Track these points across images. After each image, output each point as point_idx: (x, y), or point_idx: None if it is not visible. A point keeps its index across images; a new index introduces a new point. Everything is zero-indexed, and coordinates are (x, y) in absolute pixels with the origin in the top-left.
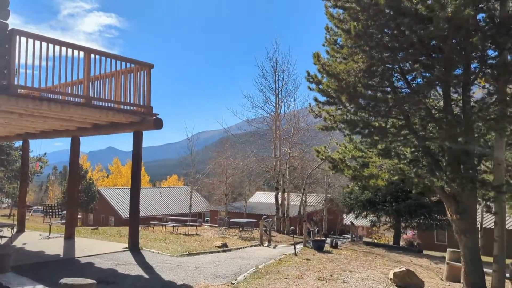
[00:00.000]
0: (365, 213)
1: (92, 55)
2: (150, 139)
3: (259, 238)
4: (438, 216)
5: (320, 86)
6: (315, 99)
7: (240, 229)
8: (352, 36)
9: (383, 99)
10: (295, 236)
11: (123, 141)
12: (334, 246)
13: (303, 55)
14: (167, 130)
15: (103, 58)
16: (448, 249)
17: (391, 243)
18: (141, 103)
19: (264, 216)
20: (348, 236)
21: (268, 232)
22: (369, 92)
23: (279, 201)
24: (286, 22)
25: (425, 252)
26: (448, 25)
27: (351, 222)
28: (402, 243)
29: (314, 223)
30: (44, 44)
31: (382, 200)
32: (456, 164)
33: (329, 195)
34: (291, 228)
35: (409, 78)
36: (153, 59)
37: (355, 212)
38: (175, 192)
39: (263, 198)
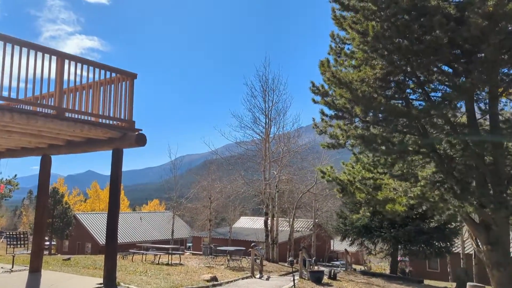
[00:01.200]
0: (360, 240)
1: (66, 61)
2: (131, 162)
3: (248, 268)
4: (438, 244)
5: (327, 98)
6: (322, 113)
7: (228, 257)
8: (370, 39)
9: (404, 112)
10: (288, 265)
11: (104, 164)
12: (333, 277)
13: (294, 74)
14: (148, 153)
15: (79, 64)
16: (468, 284)
17: (387, 272)
18: (122, 117)
19: (253, 243)
20: (337, 263)
21: (259, 262)
22: (387, 102)
23: (269, 227)
24: (277, 40)
25: (426, 282)
26: (488, 21)
27: (345, 250)
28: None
29: (306, 251)
30: (9, 45)
31: (378, 226)
32: (485, 187)
33: (317, 220)
34: (290, 259)
35: (427, 89)
36: (136, 81)
37: (349, 239)
38: (156, 218)
39: (248, 223)
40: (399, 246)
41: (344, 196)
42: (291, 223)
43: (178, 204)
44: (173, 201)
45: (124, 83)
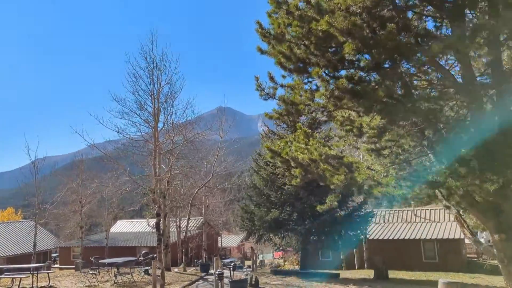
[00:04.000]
0: (268, 235)
1: None
2: None
3: (141, 282)
4: (350, 233)
5: (280, 47)
6: (279, 63)
7: (115, 271)
8: None
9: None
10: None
11: None
12: (255, 284)
13: (187, 52)
14: None
15: None
16: (440, 281)
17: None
18: None
19: (144, 252)
20: (227, 260)
21: (160, 275)
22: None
23: (161, 230)
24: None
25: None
26: None
27: (251, 248)
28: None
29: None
30: None
31: (288, 219)
32: (491, 160)
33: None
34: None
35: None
36: None
37: (256, 235)
38: (13, 229)
39: (127, 227)
40: (311, 239)
41: (302, 180)
42: (186, 222)
43: (41, 211)
44: (34, 208)
45: None
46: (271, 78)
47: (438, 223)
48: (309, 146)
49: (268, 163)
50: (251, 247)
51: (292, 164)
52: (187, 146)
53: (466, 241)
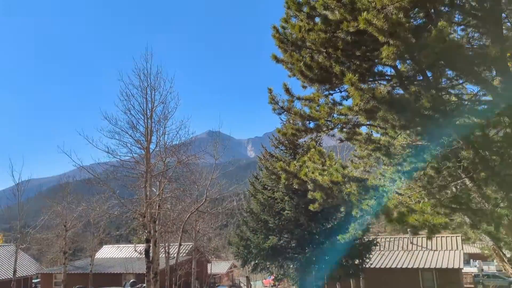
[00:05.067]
0: (265, 264)
1: None
2: None
3: None
4: (351, 261)
5: (299, 53)
6: (300, 71)
7: None
8: None
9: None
10: None
11: None
12: None
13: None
14: None
15: None
16: None
17: None
18: None
19: (132, 281)
20: None
21: None
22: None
23: (150, 257)
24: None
25: None
26: None
27: (247, 277)
28: None
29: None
30: None
31: (286, 246)
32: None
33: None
34: None
35: None
36: None
37: (252, 263)
38: None
39: (113, 253)
40: (312, 267)
41: (322, 205)
42: (177, 248)
43: (23, 235)
44: (16, 232)
45: None
46: (287, 90)
47: (436, 251)
48: (326, 167)
49: (266, 186)
50: (247, 277)
51: (310, 187)
52: (180, 168)
53: (463, 270)
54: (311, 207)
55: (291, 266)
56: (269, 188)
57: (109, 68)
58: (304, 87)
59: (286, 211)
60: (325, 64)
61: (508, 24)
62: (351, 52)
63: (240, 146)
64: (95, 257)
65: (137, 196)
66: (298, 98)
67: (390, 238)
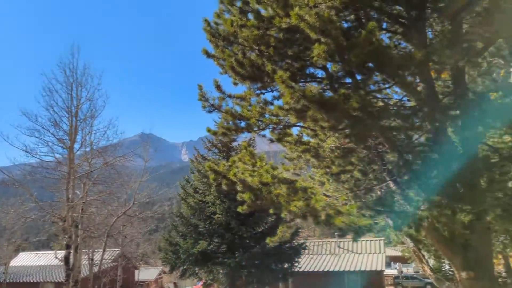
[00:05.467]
0: (193, 269)
1: None
2: None
3: None
4: (285, 266)
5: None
6: (231, 67)
7: None
8: None
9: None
10: None
11: None
12: None
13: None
14: None
15: None
16: None
17: None
18: None
19: None
20: None
21: None
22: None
23: (70, 264)
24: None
25: None
26: None
27: (174, 283)
28: None
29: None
30: None
31: (216, 251)
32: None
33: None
34: None
35: None
36: None
37: (180, 269)
38: None
39: (31, 260)
40: (242, 272)
41: (251, 207)
42: (101, 254)
43: None
44: None
45: None
46: (218, 87)
47: (361, 254)
48: (256, 168)
49: (198, 190)
50: (174, 283)
51: (239, 188)
52: (107, 170)
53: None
54: (239, 209)
55: (221, 271)
56: (200, 191)
57: (32, 60)
58: (236, 84)
59: (217, 215)
60: (257, 61)
61: (430, 34)
62: (283, 51)
63: (175, 150)
64: (11, 264)
65: (57, 199)
66: (230, 96)
67: (319, 242)
